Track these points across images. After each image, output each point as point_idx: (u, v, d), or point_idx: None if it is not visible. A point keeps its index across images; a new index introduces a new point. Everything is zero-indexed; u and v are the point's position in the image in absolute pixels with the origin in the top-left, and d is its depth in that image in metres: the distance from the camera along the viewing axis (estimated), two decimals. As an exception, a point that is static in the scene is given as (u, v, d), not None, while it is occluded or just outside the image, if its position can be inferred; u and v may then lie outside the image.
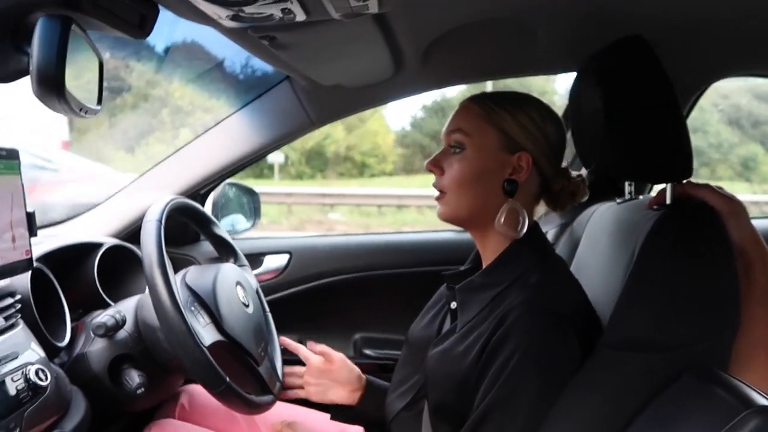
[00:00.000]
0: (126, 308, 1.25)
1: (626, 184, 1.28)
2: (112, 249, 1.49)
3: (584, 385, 0.93)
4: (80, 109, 0.78)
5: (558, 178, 1.10)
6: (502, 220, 1.03)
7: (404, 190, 10.83)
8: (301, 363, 1.36)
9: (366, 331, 1.92)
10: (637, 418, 0.85)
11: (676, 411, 0.81)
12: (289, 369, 1.37)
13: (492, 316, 0.99)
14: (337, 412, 1.30)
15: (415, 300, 1.32)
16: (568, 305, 0.99)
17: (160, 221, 1.15)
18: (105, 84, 0.88)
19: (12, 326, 1.03)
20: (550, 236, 1.61)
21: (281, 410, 1.32)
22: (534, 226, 1.07)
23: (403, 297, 1.61)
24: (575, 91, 1.12)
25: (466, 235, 1.25)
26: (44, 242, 1.33)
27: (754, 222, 0.99)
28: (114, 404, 1.20)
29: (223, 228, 1.48)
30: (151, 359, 1.22)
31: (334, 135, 13.44)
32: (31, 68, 0.72)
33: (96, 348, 1.19)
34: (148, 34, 0.87)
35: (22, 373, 0.96)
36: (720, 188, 1.01)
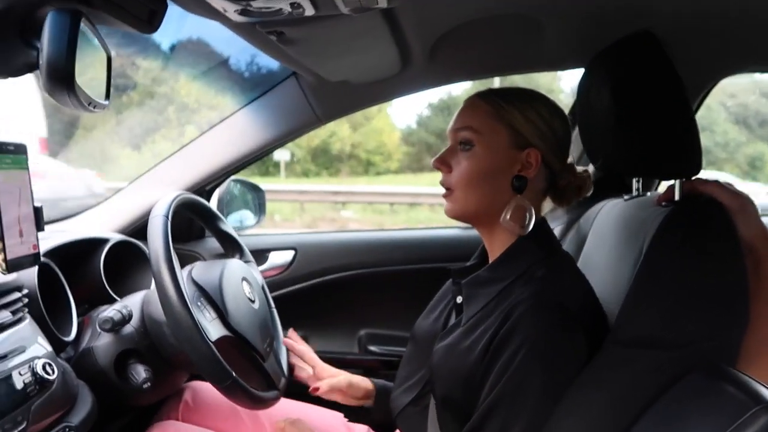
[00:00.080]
0: (132, 303, 1.25)
1: (634, 180, 1.27)
2: (119, 244, 1.49)
3: (591, 382, 0.92)
4: (89, 104, 0.78)
5: (564, 174, 1.10)
6: (508, 216, 1.03)
7: (417, 188, 10.83)
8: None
9: (371, 328, 1.93)
10: (645, 416, 0.85)
11: (685, 408, 0.80)
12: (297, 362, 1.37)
13: (498, 311, 0.99)
14: (348, 413, 1.31)
15: (420, 296, 1.32)
16: (575, 300, 0.99)
17: (167, 217, 1.15)
18: (111, 81, 0.88)
19: (19, 320, 1.03)
20: (556, 233, 1.60)
21: (285, 407, 1.32)
22: (541, 222, 1.07)
23: (408, 293, 1.61)
24: (583, 87, 1.12)
25: (472, 232, 1.25)
26: (51, 237, 1.33)
27: (763, 219, 0.98)
28: (120, 399, 1.20)
29: (229, 224, 1.48)
30: (157, 354, 1.22)
31: (340, 133, 13.47)
32: (40, 62, 0.72)
33: (102, 343, 1.19)
34: (157, 28, 0.87)
35: (29, 367, 0.97)
36: (729, 184, 1.00)
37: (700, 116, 1.42)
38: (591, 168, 1.66)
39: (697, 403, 0.79)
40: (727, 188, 0.99)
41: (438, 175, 1.10)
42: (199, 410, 1.38)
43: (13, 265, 0.99)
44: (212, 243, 1.81)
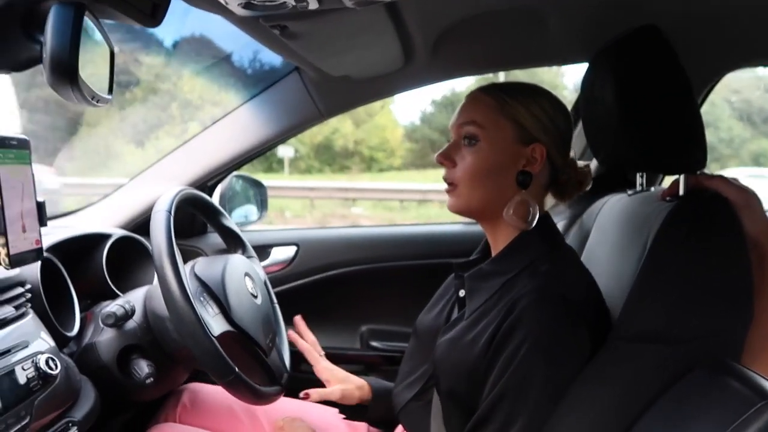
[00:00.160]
0: (135, 298, 1.25)
1: (637, 175, 1.27)
2: (121, 240, 1.49)
3: (594, 378, 0.92)
4: (92, 98, 0.78)
5: (566, 169, 1.10)
6: (512, 211, 1.03)
7: (426, 184, 10.82)
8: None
9: (373, 323, 1.93)
10: (649, 411, 0.85)
11: (689, 403, 0.80)
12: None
13: (501, 304, 0.99)
14: (345, 411, 1.31)
15: (423, 292, 1.32)
16: (579, 295, 0.98)
17: (170, 212, 1.15)
18: (114, 78, 0.88)
19: (22, 315, 1.03)
20: (560, 228, 1.59)
21: (284, 405, 1.32)
22: (545, 216, 1.07)
23: (410, 289, 1.60)
24: (587, 82, 1.12)
25: (475, 227, 1.24)
26: (54, 232, 1.33)
27: None
28: (123, 394, 1.21)
29: (231, 219, 1.48)
30: (160, 349, 1.22)
31: (343, 129, 13.46)
32: (44, 56, 0.71)
33: (105, 338, 1.19)
34: (160, 22, 0.87)
35: (32, 362, 0.97)
36: (734, 179, 1.00)
37: (705, 112, 1.41)
38: (594, 163, 1.67)
39: (702, 399, 0.79)
40: (732, 183, 0.98)
41: (442, 172, 1.09)
42: (197, 412, 1.38)
43: (16, 261, 0.99)
44: (214, 238, 1.81)
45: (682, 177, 1.02)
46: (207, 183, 1.76)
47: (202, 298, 1.17)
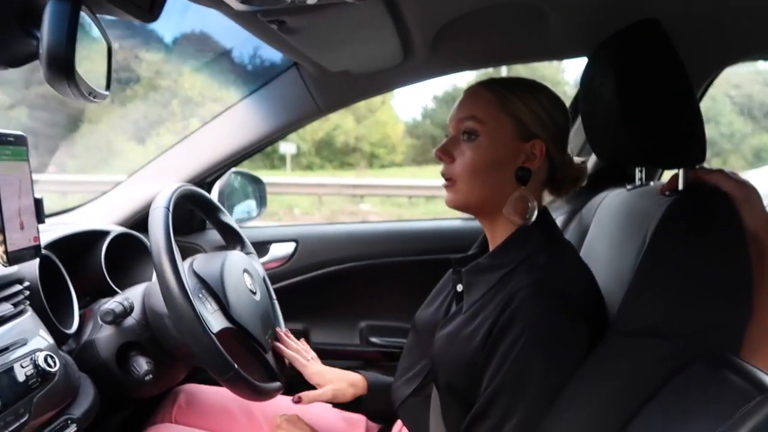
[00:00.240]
0: (133, 295, 1.25)
1: (637, 170, 1.27)
2: (120, 237, 1.49)
3: (593, 373, 0.92)
4: (89, 93, 0.78)
5: (563, 165, 1.09)
6: (511, 207, 1.03)
7: (435, 180, 10.77)
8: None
9: (372, 319, 1.93)
10: (648, 406, 0.85)
11: (689, 397, 0.80)
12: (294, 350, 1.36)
13: (498, 298, 0.99)
14: (342, 403, 1.31)
15: (422, 288, 1.31)
16: (577, 289, 0.98)
17: (168, 208, 1.14)
18: (114, 75, 0.87)
19: (20, 313, 1.03)
20: (558, 223, 1.60)
21: (281, 403, 1.32)
22: (543, 211, 1.07)
23: (409, 285, 1.60)
24: (587, 77, 1.11)
25: (474, 223, 1.24)
26: (52, 230, 1.33)
27: None
28: (122, 391, 1.20)
29: (231, 216, 1.48)
30: (159, 346, 1.22)
31: (344, 125, 13.45)
32: (40, 52, 0.71)
33: (104, 335, 1.19)
34: (157, 17, 0.86)
35: (31, 359, 0.97)
36: (733, 173, 1.00)
37: (706, 107, 1.41)
38: (593, 158, 1.67)
39: (701, 393, 0.79)
40: (731, 177, 0.98)
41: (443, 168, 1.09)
42: (193, 412, 1.38)
43: (14, 258, 0.99)
44: (213, 235, 1.81)
45: (681, 171, 1.02)
46: (205, 179, 1.76)
47: (200, 295, 1.17)
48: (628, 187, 1.25)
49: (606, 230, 1.22)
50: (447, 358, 1.04)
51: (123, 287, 1.37)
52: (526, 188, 1.03)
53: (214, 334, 1.09)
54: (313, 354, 1.38)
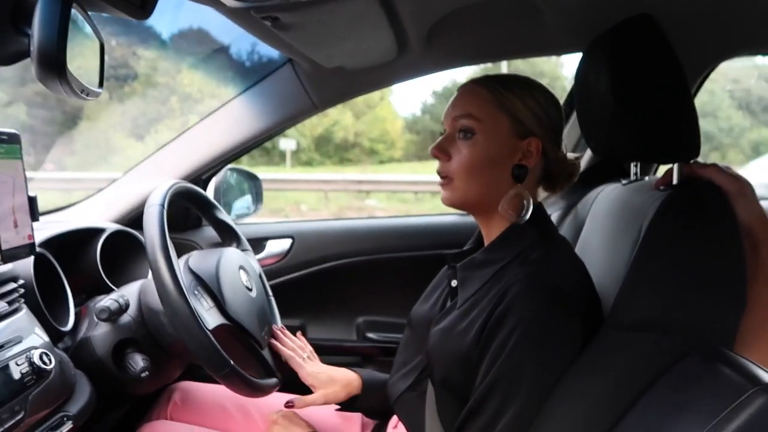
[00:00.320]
0: (129, 293, 1.25)
1: (632, 165, 1.27)
2: (115, 234, 1.49)
3: (587, 367, 0.92)
4: (81, 91, 0.77)
5: (558, 161, 1.09)
6: (507, 205, 1.03)
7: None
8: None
9: (369, 315, 1.93)
10: (642, 400, 0.85)
11: (682, 391, 0.80)
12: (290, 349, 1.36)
13: (493, 292, 0.99)
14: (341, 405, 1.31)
15: (418, 283, 1.32)
16: (571, 283, 0.98)
17: (163, 206, 1.14)
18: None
19: (15, 311, 1.03)
20: (554, 219, 1.60)
21: (277, 400, 1.32)
22: (538, 207, 1.07)
23: (406, 280, 1.60)
24: (581, 72, 1.11)
25: (470, 219, 1.24)
26: (47, 227, 1.33)
27: (762, 203, 0.98)
28: (118, 388, 1.21)
29: (226, 212, 1.48)
30: (155, 343, 1.22)
31: (343, 121, 13.41)
32: (31, 49, 0.71)
33: (100, 332, 1.19)
34: (150, 14, 0.86)
35: (26, 357, 0.97)
36: (727, 168, 1.00)
37: (704, 102, 1.41)
38: (589, 153, 1.67)
39: (694, 387, 0.79)
40: (725, 172, 0.98)
41: None
42: (188, 409, 1.38)
43: (8, 256, 0.99)
44: (209, 232, 1.81)
45: (675, 166, 1.02)
46: (201, 176, 1.75)
47: (196, 292, 1.17)
48: (624, 182, 1.25)
49: (601, 225, 1.22)
50: (442, 353, 1.04)
51: (119, 284, 1.37)
52: (521, 185, 1.03)
53: (209, 330, 1.09)
54: (310, 350, 1.38)
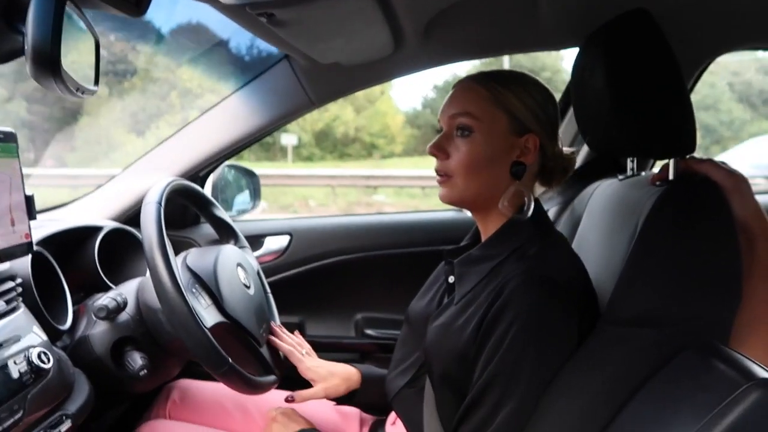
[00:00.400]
0: (127, 291, 1.25)
1: (628, 160, 1.27)
2: (113, 232, 1.49)
3: (584, 363, 0.92)
4: (77, 89, 0.77)
5: (554, 157, 1.09)
6: (506, 202, 1.03)
7: None
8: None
9: (367, 311, 1.93)
10: (638, 395, 0.85)
11: (678, 386, 0.81)
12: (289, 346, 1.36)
13: (490, 288, 0.99)
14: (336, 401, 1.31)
15: (416, 279, 1.32)
16: (567, 278, 0.98)
17: (160, 203, 1.14)
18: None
19: (13, 310, 1.03)
20: (551, 214, 1.60)
21: (275, 397, 1.32)
22: (535, 202, 1.07)
23: (403, 277, 1.60)
24: (578, 67, 1.11)
25: (467, 215, 1.24)
26: (44, 226, 1.32)
27: (757, 197, 0.98)
28: (117, 386, 1.20)
29: (223, 210, 1.47)
30: (153, 341, 1.22)
31: (343, 116, 13.39)
32: (26, 47, 0.71)
33: (98, 331, 1.19)
34: (144, 12, 0.86)
35: (25, 356, 0.97)
36: (723, 163, 1.00)
37: (705, 95, 1.41)
38: (585, 148, 1.67)
39: (689, 381, 0.79)
40: (721, 167, 0.98)
41: None
42: (187, 408, 1.38)
43: (5, 255, 0.99)
44: (206, 230, 1.81)
45: (671, 161, 1.02)
46: (199, 173, 1.75)
47: (194, 290, 1.17)
48: (620, 177, 1.25)
49: (598, 220, 1.22)
50: (440, 349, 1.05)
51: (117, 282, 1.37)
52: (520, 183, 1.04)
53: (207, 328, 1.09)
54: (308, 347, 1.38)
